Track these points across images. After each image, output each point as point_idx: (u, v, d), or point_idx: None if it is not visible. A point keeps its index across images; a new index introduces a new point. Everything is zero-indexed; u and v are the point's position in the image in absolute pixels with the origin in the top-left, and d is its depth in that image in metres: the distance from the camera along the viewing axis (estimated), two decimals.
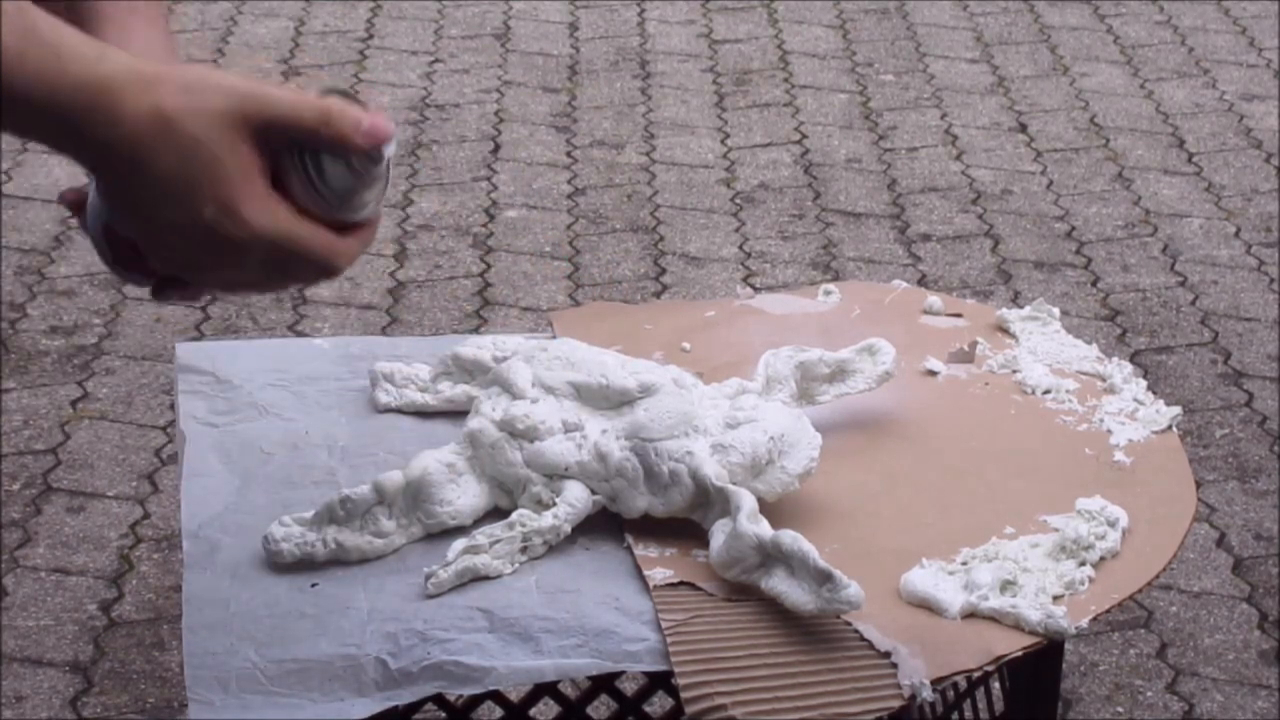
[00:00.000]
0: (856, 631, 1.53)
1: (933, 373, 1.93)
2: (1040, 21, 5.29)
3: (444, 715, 2.12)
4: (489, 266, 3.96)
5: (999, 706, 2.03)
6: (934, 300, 2.06)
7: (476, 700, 2.15)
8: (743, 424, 1.64)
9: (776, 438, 1.64)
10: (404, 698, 1.51)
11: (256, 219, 1.22)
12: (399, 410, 1.85)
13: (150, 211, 1.21)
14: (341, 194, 1.25)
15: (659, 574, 1.60)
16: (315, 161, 1.25)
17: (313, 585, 1.60)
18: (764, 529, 1.56)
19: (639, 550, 1.63)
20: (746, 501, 1.58)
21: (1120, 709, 2.78)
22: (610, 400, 1.66)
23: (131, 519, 3.12)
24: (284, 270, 1.25)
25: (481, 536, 1.60)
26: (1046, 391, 1.90)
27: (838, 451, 1.72)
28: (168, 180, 1.20)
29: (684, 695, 1.48)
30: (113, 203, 1.23)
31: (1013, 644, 1.55)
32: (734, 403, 1.68)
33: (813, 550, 1.52)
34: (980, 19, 5.30)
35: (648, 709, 2.20)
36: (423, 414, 1.84)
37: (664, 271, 3.95)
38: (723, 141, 4.56)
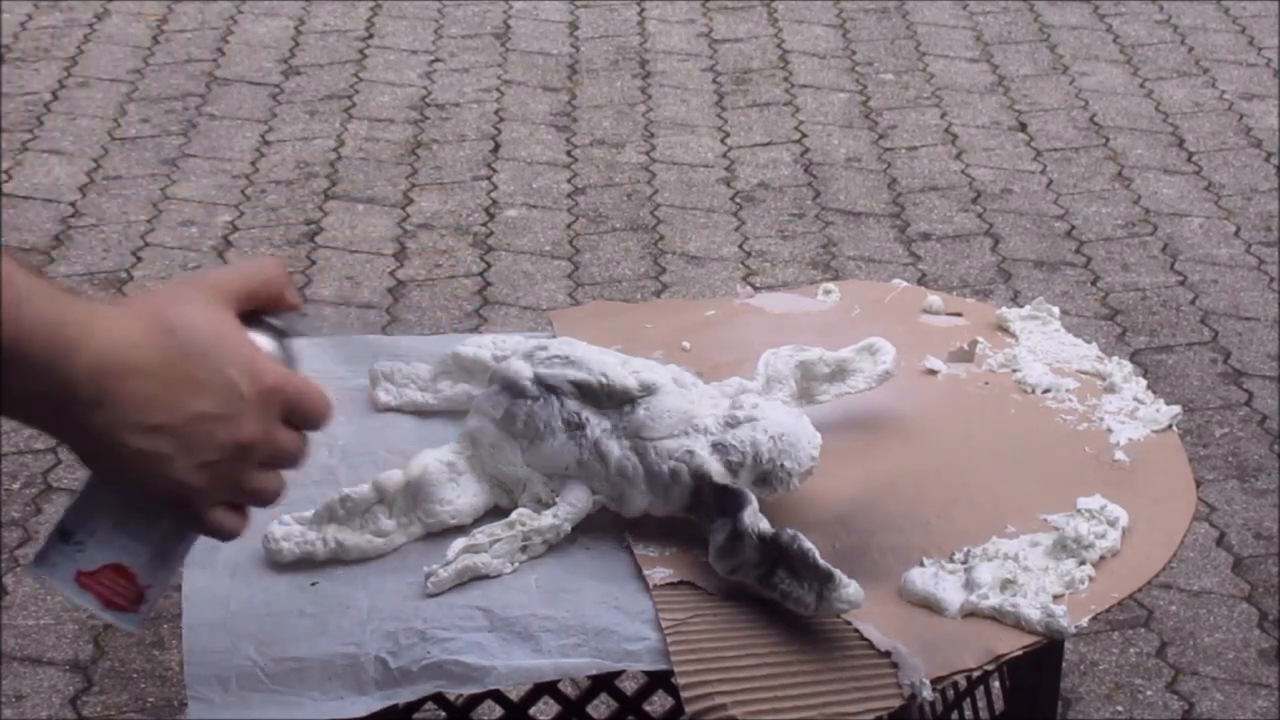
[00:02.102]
0: (856, 631, 1.53)
1: (933, 372, 1.93)
2: (1040, 21, 5.29)
3: (444, 714, 2.12)
4: (489, 266, 3.96)
5: (999, 705, 2.03)
6: (934, 299, 2.06)
7: (476, 699, 2.14)
8: (743, 423, 1.64)
9: (777, 437, 1.64)
10: (404, 696, 1.51)
11: (275, 371, 1.22)
12: (399, 409, 1.85)
13: (161, 416, 1.18)
14: (293, 361, 1.27)
15: (659, 573, 1.60)
16: (274, 323, 1.26)
17: (313, 584, 1.60)
18: (764, 528, 1.56)
19: (639, 549, 1.63)
20: (747, 501, 1.58)
21: (1120, 708, 2.78)
22: (610, 399, 1.66)
23: None
24: (280, 437, 1.23)
25: (481, 536, 1.60)
26: (1046, 390, 1.90)
27: (838, 451, 1.72)
28: (169, 368, 1.18)
29: (684, 694, 1.48)
30: (129, 439, 1.18)
31: (1013, 643, 1.55)
32: (734, 402, 1.68)
33: (813, 549, 1.52)
34: (980, 18, 5.30)
35: (648, 708, 2.20)
36: (422, 413, 1.84)
37: (664, 271, 3.95)
38: (723, 141, 4.56)
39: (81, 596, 1.25)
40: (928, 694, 1.49)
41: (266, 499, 1.25)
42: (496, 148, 4.50)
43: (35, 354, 1.15)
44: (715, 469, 1.62)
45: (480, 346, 1.84)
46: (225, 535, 1.25)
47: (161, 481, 1.19)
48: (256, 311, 1.24)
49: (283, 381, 1.22)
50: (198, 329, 1.19)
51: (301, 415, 1.24)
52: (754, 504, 1.59)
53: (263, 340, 1.24)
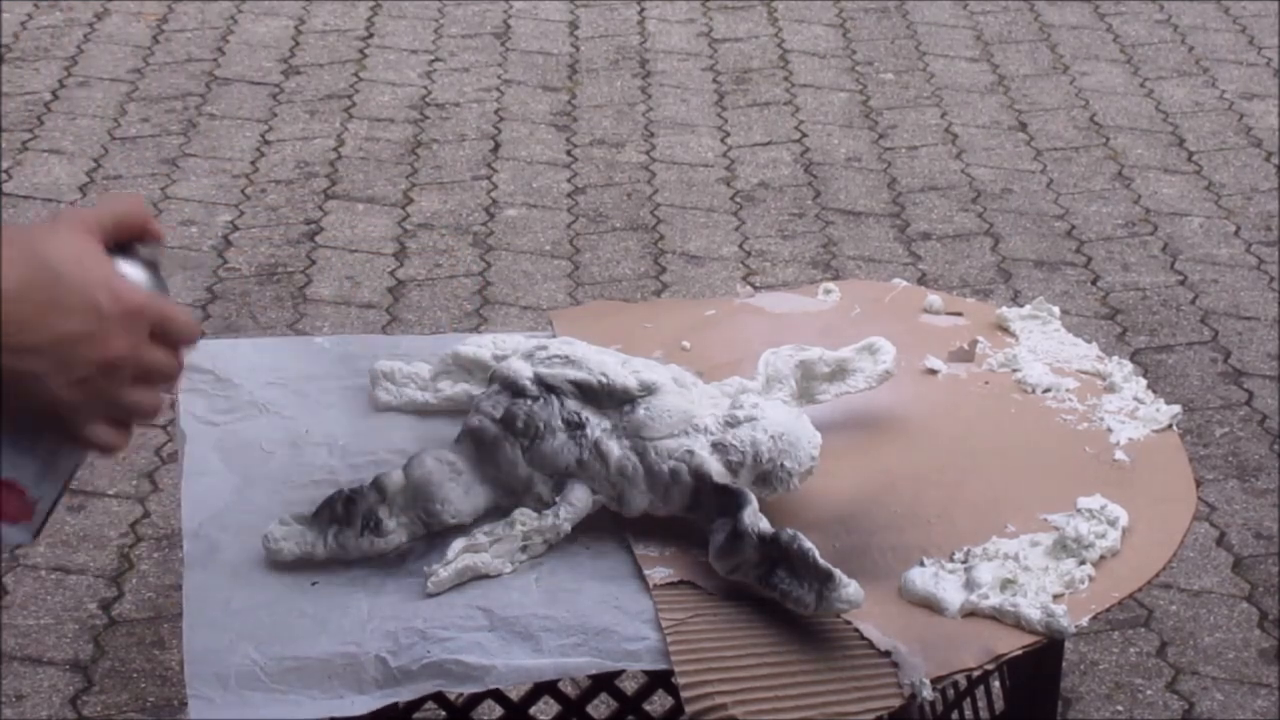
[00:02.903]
0: (856, 630, 1.53)
1: (933, 371, 1.93)
2: (1040, 20, 5.29)
3: (444, 714, 2.12)
4: (489, 265, 3.96)
5: (999, 705, 2.03)
6: (934, 299, 2.06)
7: (476, 699, 2.15)
8: (743, 423, 1.64)
9: (777, 437, 1.64)
10: (404, 695, 1.51)
11: (135, 291, 1.28)
12: (399, 409, 1.85)
13: (31, 337, 1.24)
14: (163, 288, 1.34)
15: (659, 573, 1.60)
16: (141, 252, 1.33)
17: (313, 584, 1.60)
18: (764, 528, 1.56)
19: (639, 549, 1.63)
20: (747, 500, 1.58)
21: (1120, 708, 2.78)
22: (611, 399, 1.66)
23: (132, 518, 3.13)
24: (148, 354, 1.29)
25: (481, 535, 1.60)
26: (1047, 390, 1.90)
27: (838, 450, 1.72)
28: (37, 292, 1.24)
29: (684, 694, 1.48)
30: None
31: (1013, 643, 1.55)
32: (734, 401, 1.68)
33: (813, 549, 1.52)
34: (980, 18, 5.30)
35: (648, 707, 2.20)
36: (423, 413, 1.84)
37: (664, 270, 3.95)
38: (723, 140, 4.56)
39: None
40: (928, 694, 1.49)
41: (143, 413, 1.31)
42: (496, 147, 4.50)
43: None
44: (715, 469, 1.62)
45: (480, 346, 1.84)
46: (105, 449, 1.31)
47: (38, 399, 1.26)
48: (126, 243, 1.31)
49: (144, 301, 1.28)
50: (63, 255, 1.26)
51: (169, 333, 1.30)
52: (754, 504, 1.59)
53: (131, 268, 1.30)
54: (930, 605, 1.57)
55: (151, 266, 1.33)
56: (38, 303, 1.24)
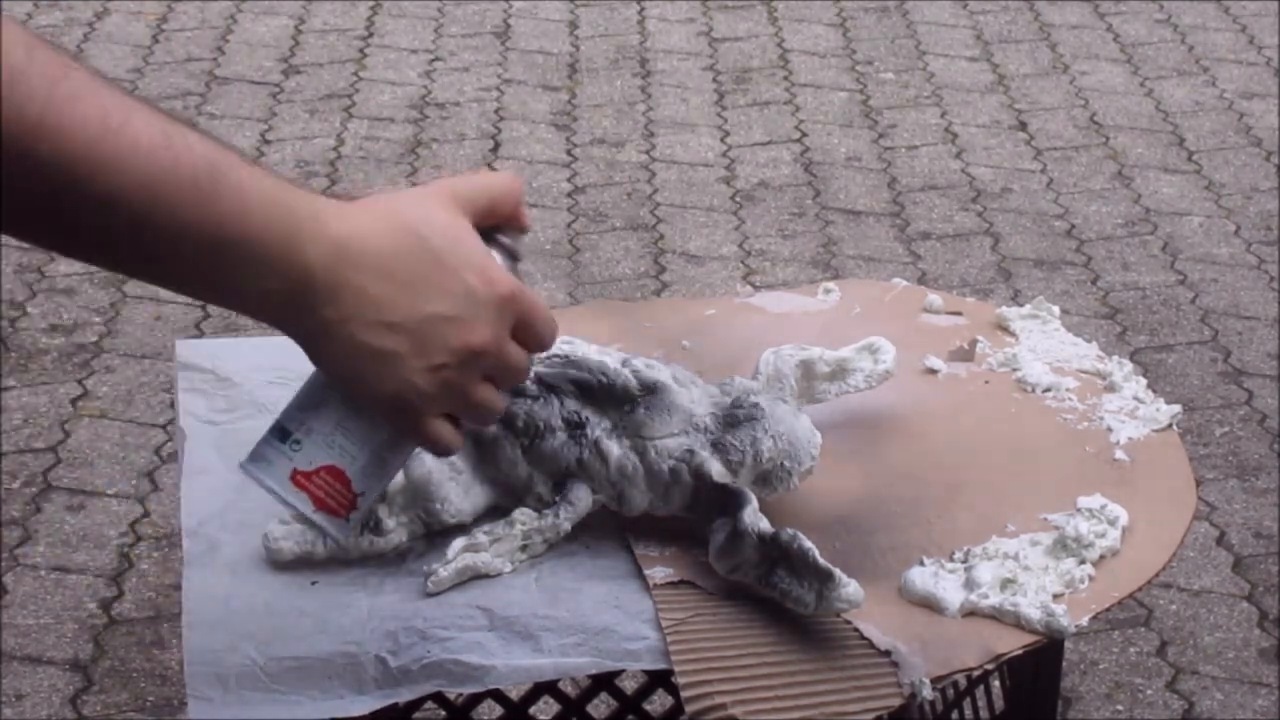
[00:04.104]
0: (856, 630, 1.53)
1: (933, 371, 1.93)
2: (1040, 20, 5.29)
3: (444, 714, 2.12)
4: None
5: (999, 705, 2.03)
6: (934, 298, 2.06)
7: (476, 698, 2.14)
8: (743, 423, 1.64)
9: (777, 436, 1.64)
10: (404, 696, 1.51)
11: (511, 280, 1.20)
12: None
13: (396, 314, 1.15)
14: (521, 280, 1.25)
15: (659, 572, 1.60)
16: (505, 241, 1.24)
17: (312, 583, 1.60)
18: (764, 527, 1.56)
19: (639, 549, 1.63)
20: (747, 500, 1.58)
21: (1120, 707, 2.78)
22: (610, 399, 1.66)
23: (131, 517, 3.12)
24: (509, 349, 1.21)
25: (481, 535, 1.60)
26: (1047, 389, 1.90)
27: (838, 450, 1.72)
28: (407, 268, 1.15)
29: (684, 694, 1.48)
30: (351, 337, 1.16)
31: (1013, 642, 1.55)
32: (734, 401, 1.68)
33: (813, 548, 1.52)
34: (980, 17, 5.30)
35: (648, 707, 2.20)
36: None
37: (664, 270, 3.95)
38: (723, 140, 4.56)
39: (295, 495, 1.23)
40: (928, 693, 1.49)
41: (486, 415, 1.23)
42: (496, 147, 4.50)
43: (267, 239, 1.12)
44: (715, 468, 1.62)
45: None
46: (441, 449, 1.23)
47: (390, 382, 1.17)
48: (489, 228, 1.23)
49: (519, 291, 1.20)
50: (436, 230, 1.17)
51: (530, 331, 1.22)
52: (754, 503, 1.59)
53: (496, 255, 1.22)
54: (930, 605, 1.57)
55: (513, 256, 1.25)
56: (407, 278, 1.15)
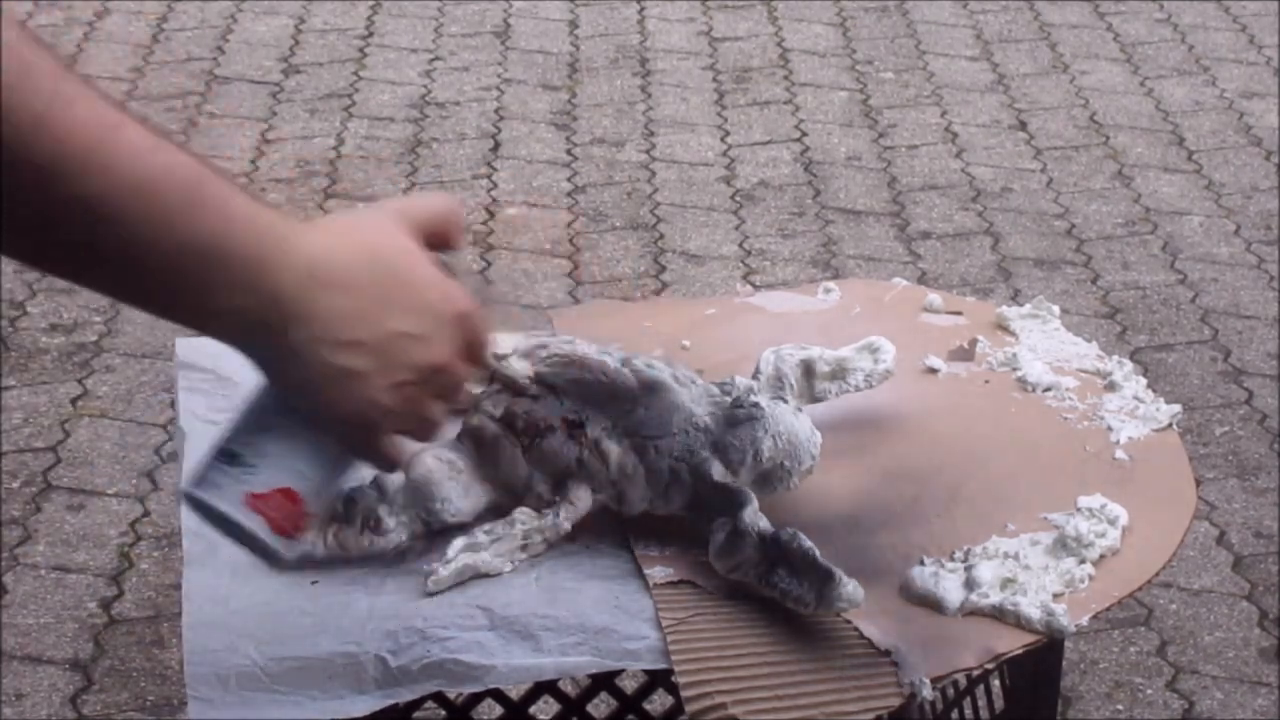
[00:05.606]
0: (856, 630, 1.53)
1: (933, 370, 1.93)
2: (1040, 19, 5.29)
3: (444, 713, 2.12)
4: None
5: (999, 704, 2.03)
6: (934, 298, 2.06)
7: (476, 698, 2.15)
8: (743, 422, 1.64)
9: (777, 436, 1.64)
10: (404, 695, 1.51)
11: (466, 298, 1.22)
12: None
13: (362, 332, 1.17)
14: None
15: (659, 572, 1.60)
16: (445, 260, 1.26)
17: (313, 583, 1.60)
18: (764, 527, 1.56)
19: (639, 549, 1.63)
20: (747, 500, 1.58)
21: (1120, 707, 2.78)
22: (611, 398, 1.66)
23: (131, 516, 3.12)
24: (459, 366, 1.23)
25: (481, 534, 1.60)
26: (1047, 389, 1.90)
27: (838, 450, 1.72)
28: (372, 287, 1.17)
29: (684, 694, 1.48)
30: (309, 363, 1.16)
31: (1013, 642, 1.55)
32: (734, 400, 1.68)
33: (813, 548, 1.52)
34: (980, 17, 5.29)
35: (648, 707, 2.20)
36: None
37: (664, 269, 3.95)
38: (723, 139, 4.56)
39: (249, 519, 1.23)
40: (928, 693, 1.49)
41: (432, 431, 1.25)
42: (496, 146, 4.50)
43: (245, 255, 1.13)
44: (715, 468, 1.62)
45: None
46: (390, 465, 1.26)
47: (353, 400, 1.19)
48: (430, 247, 1.25)
49: (472, 308, 1.23)
50: (397, 250, 1.19)
51: (475, 349, 1.25)
52: (754, 503, 1.59)
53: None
54: (930, 604, 1.57)
55: (453, 276, 1.26)
56: (373, 297, 1.17)
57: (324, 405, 1.20)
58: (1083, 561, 1.62)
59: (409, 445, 1.29)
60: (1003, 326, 2.01)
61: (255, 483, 1.23)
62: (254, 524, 1.23)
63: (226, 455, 1.24)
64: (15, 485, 3.20)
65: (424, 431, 1.25)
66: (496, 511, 1.65)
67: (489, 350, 1.27)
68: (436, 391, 1.23)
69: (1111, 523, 1.66)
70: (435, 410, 1.24)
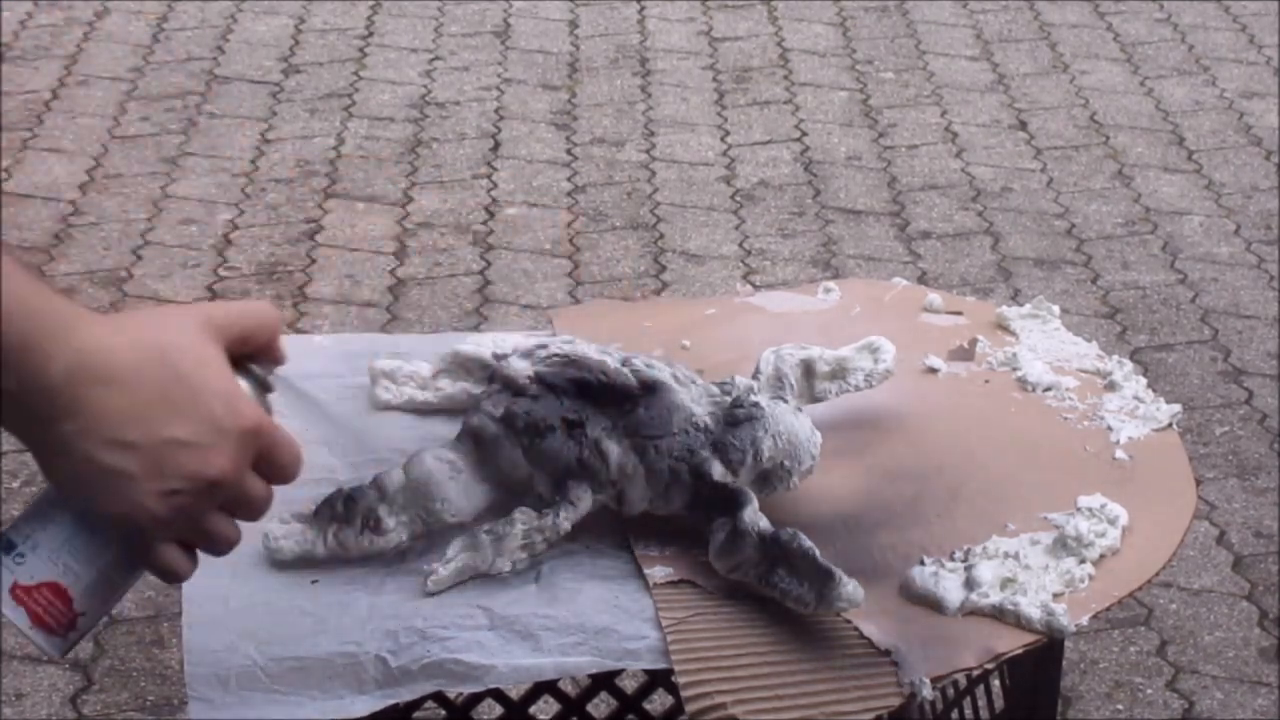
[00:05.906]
0: (856, 630, 1.53)
1: (933, 370, 1.93)
2: (1040, 19, 5.29)
3: (444, 713, 2.12)
4: (489, 264, 3.96)
5: (999, 704, 2.03)
6: (934, 298, 2.06)
7: (476, 698, 2.15)
8: (743, 422, 1.64)
9: (777, 436, 1.64)
10: (404, 695, 1.51)
11: (256, 412, 1.17)
12: (399, 408, 1.85)
13: (133, 433, 1.12)
14: (269, 414, 1.23)
15: (659, 572, 1.60)
16: (257, 371, 1.22)
17: (313, 583, 1.60)
18: (764, 527, 1.56)
19: (639, 549, 1.63)
20: (747, 500, 1.58)
21: (1120, 706, 2.78)
22: (611, 398, 1.66)
23: None
24: (249, 482, 1.18)
25: (482, 534, 1.60)
26: (1047, 389, 1.89)
27: (838, 450, 1.72)
28: (152, 388, 1.13)
29: (684, 693, 1.48)
30: (88, 453, 1.12)
31: (1013, 642, 1.55)
32: (734, 400, 1.68)
33: (813, 548, 1.52)
34: (980, 16, 5.29)
35: (648, 706, 2.20)
36: (423, 411, 1.84)
37: (664, 269, 3.95)
38: (723, 139, 4.56)
39: (12, 610, 1.21)
40: (928, 693, 1.49)
41: (219, 547, 1.20)
42: (496, 146, 4.50)
43: (10, 340, 1.09)
44: (715, 468, 1.62)
45: (480, 345, 1.84)
46: (170, 576, 1.20)
47: (120, 502, 1.14)
48: (242, 357, 1.21)
49: (263, 424, 1.17)
50: (184, 354, 1.15)
51: (274, 465, 1.19)
52: (754, 503, 1.59)
53: (245, 385, 1.21)
54: (930, 604, 1.57)
55: (264, 388, 1.23)
56: (148, 398, 1.12)
57: (92, 503, 1.16)
58: (1083, 561, 1.62)
59: (206, 556, 1.24)
60: (1003, 326, 2.01)
61: (21, 573, 1.21)
62: (15, 615, 1.21)
63: (3, 542, 1.21)
64: (15, 485, 3.20)
65: (208, 544, 1.20)
66: (496, 511, 1.65)
67: (293, 465, 1.20)
68: (220, 504, 1.18)
69: (1111, 522, 1.66)
70: (218, 524, 1.19)
